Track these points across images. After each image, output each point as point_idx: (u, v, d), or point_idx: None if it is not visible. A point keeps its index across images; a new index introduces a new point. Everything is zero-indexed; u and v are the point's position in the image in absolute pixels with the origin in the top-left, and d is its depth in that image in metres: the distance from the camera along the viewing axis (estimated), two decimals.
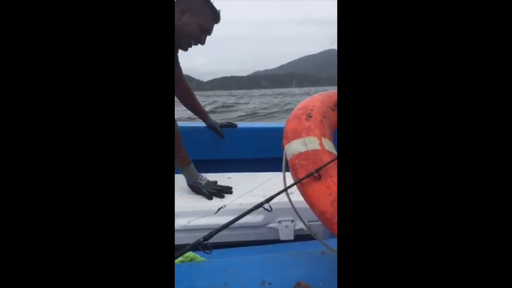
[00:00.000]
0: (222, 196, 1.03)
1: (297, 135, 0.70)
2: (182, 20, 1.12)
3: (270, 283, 0.66)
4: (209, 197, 1.03)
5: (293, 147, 0.70)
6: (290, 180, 0.83)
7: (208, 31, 1.15)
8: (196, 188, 1.07)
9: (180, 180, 1.14)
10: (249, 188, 1.03)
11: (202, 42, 1.16)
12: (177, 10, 1.12)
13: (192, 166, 1.11)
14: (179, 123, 1.19)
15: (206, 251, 0.62)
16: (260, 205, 0.63)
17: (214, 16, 1.14)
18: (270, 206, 0.63)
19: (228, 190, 1.07)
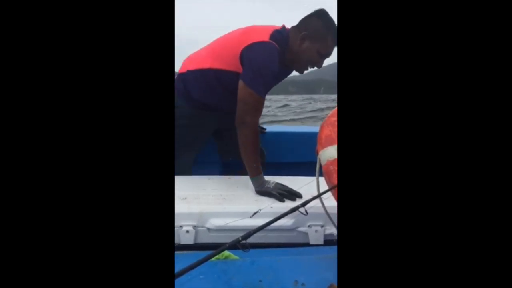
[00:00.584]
0: (293, 199, 1.02)
1: (331, 141, 0.73)
2: (302, 47, 1.13)
3: (303, 284, 0.68)
4: (281, 199, 1.02)
5: (328, 153, 0.72)
6: (323, 185, 0.86)
7: (327, 56, 1.16)
8: (266, 192, 1.06)
9: (216, 184, 1.19)
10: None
11: (319, 66, 1.18)
12: (298, 36, 1.12)
13: (261, 176, 1.10)
14: None
15: (245, 249, 0.66)
16: (296, 208, 0.66)
17: (335, 40, 1.11)
18: (305, 210, 0.65)
19: (298, 194, 1.04)
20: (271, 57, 1.07)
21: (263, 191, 1.07)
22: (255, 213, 0.76)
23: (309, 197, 0.71)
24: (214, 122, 1.33)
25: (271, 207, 0.95)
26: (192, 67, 1.23)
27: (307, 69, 1.20)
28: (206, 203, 1.04)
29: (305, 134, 1.72)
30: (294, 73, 1.32)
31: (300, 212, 0.64)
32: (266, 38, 1.09)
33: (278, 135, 1.67)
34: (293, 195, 1.04)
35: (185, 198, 1.06)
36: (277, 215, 0.82)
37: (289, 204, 0.93)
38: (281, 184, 1.09)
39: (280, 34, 1.13)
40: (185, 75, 1.24)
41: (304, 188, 1.02)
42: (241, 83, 1.08)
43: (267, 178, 1.13)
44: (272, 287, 0.67)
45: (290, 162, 1.59)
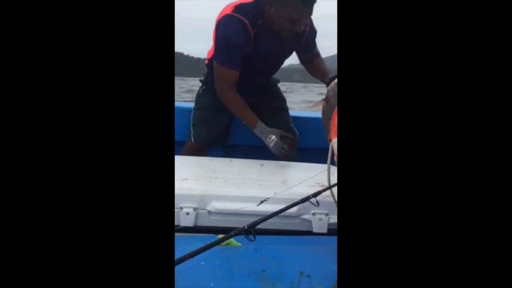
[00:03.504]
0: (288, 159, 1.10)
1: None
2: (271, 13, 1.11)
3: (309, 276, 0.66)
4: (276, 156, 1.10)
5: None
6: (335, 173, 0.82)
7: (299, 21, 1.11)
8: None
9: (218, 166, 1.15)
10: (290, 178, 1.03)
11: (297, 31, 1.14)
12: (267, 3, 1.10)
13: (258, 127, 1.16)
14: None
15: (250, 237, 0.62)
16: (306, 199, 0.63)
17: (302, 2, 1.08)
18: (317, 201, 0.62)
19: (292, 155, 1.13)
20: (231, 28, 1.10)
21: (265, 144, 1.15)
22: (262, 202, 0.72)
23: (321, 186, 0.68)
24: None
25: (275, 193, 0.92)
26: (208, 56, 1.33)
27: (289, 34, 1.16)
28: (207, 185, 1.00)
29: (309, 119, 1.67)
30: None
31: (311, 203, 0.61)
32: (228, 11, 1.12)
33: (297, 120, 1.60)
34: (292, 154, 1.11)
35: (186, 179, 1.02)
36: (283, 202, 0.79)
37: (298, 191, 0.90)
38: (286, 137, 1.14)
39: (248, 6, 1.14)
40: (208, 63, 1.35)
41: (317, 176, 0.98)
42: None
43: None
44: (277, 278, 0.65)
45: (306, 148, 1.53)
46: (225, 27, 1.12)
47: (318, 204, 0.61)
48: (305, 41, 1.28)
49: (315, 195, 0.63)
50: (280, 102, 1.46)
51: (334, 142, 0.71)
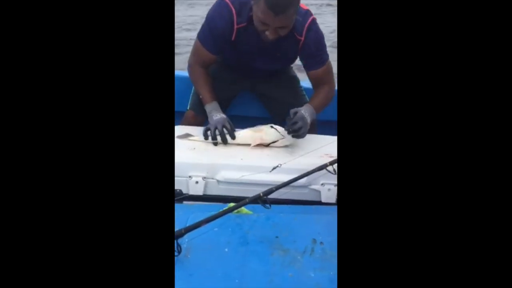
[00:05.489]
0: (214, 138, 1.02)
1: None
2: (254, 9, 0.99)
3: (321, 242, 0.66)
4: (205, 137, 1.02)
5: None
6: None
7: (266, 25, 0.96)
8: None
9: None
10: (304, 149, 1.01)
11: (269, 38, 0.98)
12: None
13: (210, 105, 1.10)
14: None
15: (266, 205, 0.62)
16: (323, 167, 0.62)
17: (268, 6, 0.91)
18: (334, 169, 0.61)
19: (225, 141, 1.02)
20: (216, 11, 1.08)
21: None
22: (274, 168, 0.72)
23: (331, 157, 0.67)
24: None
25: (284, 163, 0.91)
26: None
27: (267, 39, 1.01)
28: (215, 155, 0.99)
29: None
30: None
31: (328, 171, 0.60)
32: None
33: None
34: (223, 139, 1.02)
35: (194, 148, 1.01)
36: (292, 172, 0.79)
37: (306, 161, 0.89)
38: (229, 123, 1.05)
39: None
40: None
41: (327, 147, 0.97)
42: None
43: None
44: (290, 244, 0.65)
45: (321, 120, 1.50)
46: (212, 8, 1.10)
47: (336, 172, 0.61)
48: (302, 55, 1.14)
49: (332, 163, 0.62)
50: (287, 80, 1.35)
51: None
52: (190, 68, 1.18)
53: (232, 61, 1.25)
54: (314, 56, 1.13)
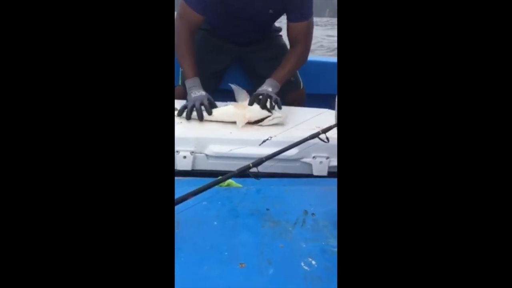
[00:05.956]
0: (188, 117, 0.97)
1: None
2: None
3: (313, 214, 0.65)
4: (179, 113, 0.98)
5: None
6: None
7: None
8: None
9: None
10: (294, 122, 0.99)
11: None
12: None
13: (190, 81, 1.05)
14: None
15: (256, 177, 0.60)
16: (316, 135, 0.60)
17: None
18: (326, 137, 0.59)
19: (200, 116, 0.97)
20: None
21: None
22: (264, 141, 0.69)
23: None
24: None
25: (274, 136, 0.88)
26: None
27: None
28: (203, 129, 0.96)
29: (322, 63, 1.58)
30: None
31: (320, 139, 0.57)
32: None
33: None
34: (199, 115, 0.97)
35: (181, 122, 0.97)
36: (286, 144, 0.76)
37: (298, 134, 0.86)
38: (209, 100, 1.00)
39: None
40: None
41: (322, 119, 0.94)
42: None
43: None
44: (281, 216, 0.63)
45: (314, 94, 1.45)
46: None
47: (328, 140, 0.58)
48: (287, 6, 1.11)
49: (325, 131, 0.60)
50: (276, 52, 1.34)
51: None
52: (177, 33, 1.10)
53: (217, 22, 1.20)
54: (299, 7, 1.11)
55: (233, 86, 1.05)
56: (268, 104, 0.98)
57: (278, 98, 1.03)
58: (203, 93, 1.03)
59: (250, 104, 0.99)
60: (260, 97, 1.00)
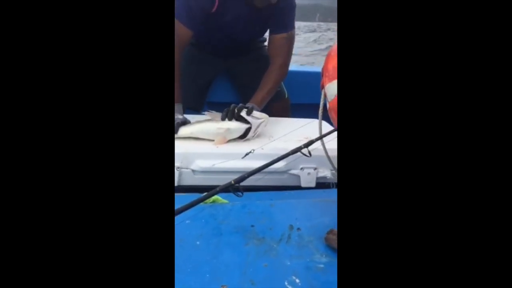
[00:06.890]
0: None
1: None
2: None
3: (299, 228, 0.63)
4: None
5: (335, 88, 0.63)
6: (326, 125, 0.77)
7: None
8: None
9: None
10: (279, 133, 0.98)
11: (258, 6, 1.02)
12: None
13: (176, 107, 1.05)
14: None
15: (238, 193, 0.58)
16: (298, 149, 0.59)
17: None
18: (309, 152, 0.58)
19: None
20: None
21: None
22: (247, 154, 0.68)
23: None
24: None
25: (262, 149, 0.87)
26: None
27: (263, 3, 1.04)
28: (189, 143, 0.95)
29: (307, 73, 1.58)
30: None
31: (303, 153, 0.57)
32: None
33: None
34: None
35: None
36: (269, 158, 0.75)
37: (284, 146, 0.85)
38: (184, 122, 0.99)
39: None
40: None
41: (308, 129, 0.93)
42: None
43: None
44: (266, 232, 0.62)
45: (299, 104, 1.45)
46: None
47: (310, 154, 0.57)
48: (272, 20, 1.14)
49: (307, 145, 0.59)
50: (263, 62, 1.34)
51: (327, 88, 0.65)
52: None
53: (204, 36, 1.20)
54: (281, 20, 1.14)
55: (206, 113, 1.02)
56: (236, 110, 0.96)
57: (251, 105, 1.01)
58: (180, 117, 1.02)
59: (222, 118, 0.97)
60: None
